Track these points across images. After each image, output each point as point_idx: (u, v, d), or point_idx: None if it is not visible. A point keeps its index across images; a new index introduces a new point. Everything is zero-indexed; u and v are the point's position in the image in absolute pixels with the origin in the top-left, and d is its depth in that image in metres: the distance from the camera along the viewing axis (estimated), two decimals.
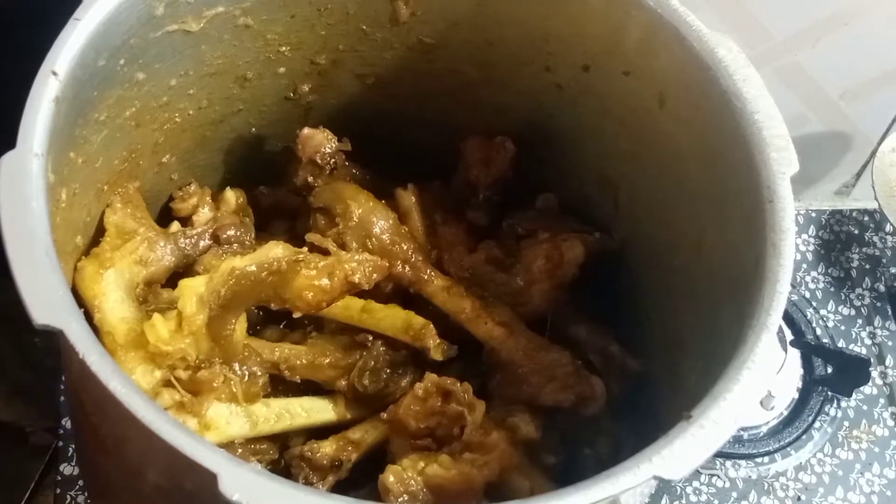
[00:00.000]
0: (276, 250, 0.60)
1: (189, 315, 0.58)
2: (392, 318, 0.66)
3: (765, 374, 0.48)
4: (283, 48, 0.67)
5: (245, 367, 0.61)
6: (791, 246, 0.53)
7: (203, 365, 0.58)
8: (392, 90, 0.73)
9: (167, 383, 0.57)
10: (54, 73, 0.50)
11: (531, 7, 0.65)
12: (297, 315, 0.61)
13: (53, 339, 0.44)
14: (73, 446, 0.78)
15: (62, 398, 0.81)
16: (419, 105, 0.73)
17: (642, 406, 0.65)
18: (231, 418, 0.59)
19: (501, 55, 0.69)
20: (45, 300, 0.44)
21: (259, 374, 0.61)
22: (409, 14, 0.67)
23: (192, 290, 0.58)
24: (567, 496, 0.43)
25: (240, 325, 0.61)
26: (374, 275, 0.63)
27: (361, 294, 0.65)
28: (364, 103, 0.73)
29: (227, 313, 0.59)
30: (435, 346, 0.66)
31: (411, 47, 0.70)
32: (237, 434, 0.60)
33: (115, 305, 0.58)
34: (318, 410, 0.65)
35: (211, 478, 0.41)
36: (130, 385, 0.43)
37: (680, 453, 0.45)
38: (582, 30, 0.65)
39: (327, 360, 0.65)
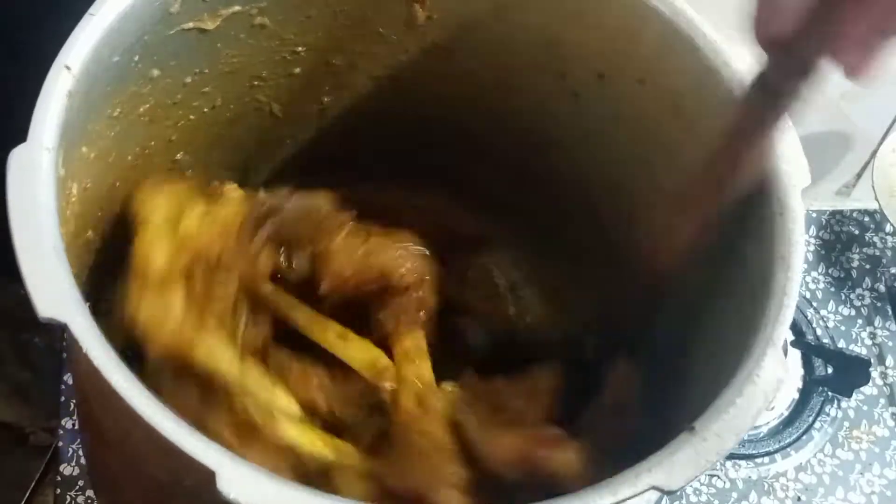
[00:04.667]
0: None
1: (225, 213, 0.57)
2: (362, 351, 0.63)
3: (770, 389, 0.47)
4: (299, 49, 0.66)
5: (254, 318, 0.59)
6: (800, 259, 0.52)
7: (220, 275, 0.56)
8: (407, 93, 0.71)
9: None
10: (67, 68, 0.49)
11: (547, 13, 0.64)
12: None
13: (53, 339, 0.43)
14: (73, 446, 0.78)
15: (62, 398, 0.80)
16: (434, 108, 0.72)
17: (647, 415, 0.63)
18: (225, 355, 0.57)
19: (516, 61, 0.68)
20: (50, 293, 0.43)
21: (263, 332, 0.59)
22: (426, 17, 0.66)
23: (238, 197, 0.58)
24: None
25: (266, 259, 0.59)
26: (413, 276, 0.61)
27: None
28: (378, 105, 0.72)
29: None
30: (389, 390, 0.63)
31: (427, 51, 0.68)
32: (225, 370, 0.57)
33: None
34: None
35: (209, 475, 0.40)
36: (132, 380, 0.42)
37: (680, 465, 0.44)
38: (597, 37, 0.63)
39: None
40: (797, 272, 0.51)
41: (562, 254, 0.75)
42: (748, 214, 0.55)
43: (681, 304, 0.64)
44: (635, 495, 0.43)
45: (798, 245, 0.52)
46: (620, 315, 0.69)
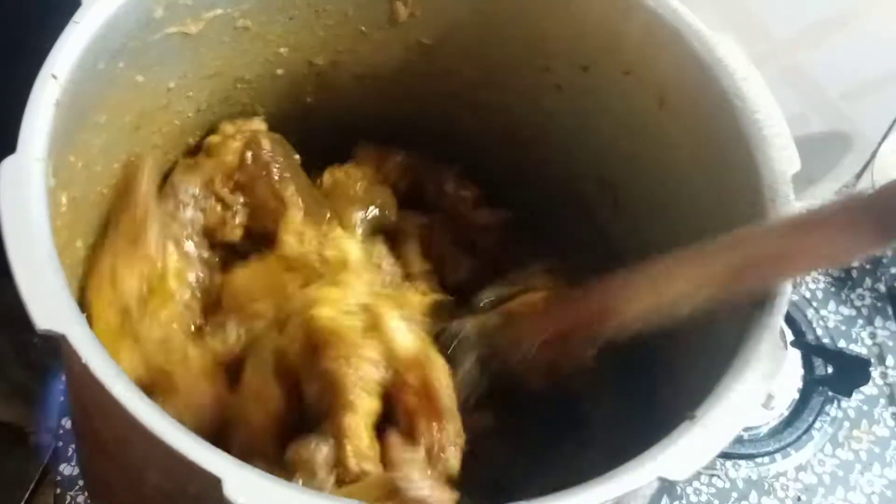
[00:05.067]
0: None
1: None
2: None
3: (768, 374, 0.49)
4: (282, 50, 0.68)
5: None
6: None
7: None
8: (391, 91, 0.73)
9: None
10: (54, 77, 0.51)
11: (530, 7, 0.66)
12: None
13: (53, 341, 0.45)
14: (73, 446, 0.79)
15: (62, 398, 0.81)
16: (418, 106, 0.74)
17: (642, 405, 0.66)
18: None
19: (500, 55, 0.70)
20: (47, 305, 0.44)
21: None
22: (408, 15, 0.68)
23: None
24: (571, 497, 0.44)
25: None
26: None
27: None
28: (363, 104, 0.74)
29: None
30: None
31: (410, 48, 0.70)
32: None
33: None
34: None
35: (215, 482, 0.41)
36: (134, 389, 0.44)
37: (685, 454, 0.46)
38: (581, 30, 0.66)
39: None
40: None
41: (554, 247, 0.76)
42: (740, 202, 0.58)
43: None
44: (642, 486, 0.45)
45: None
46: None
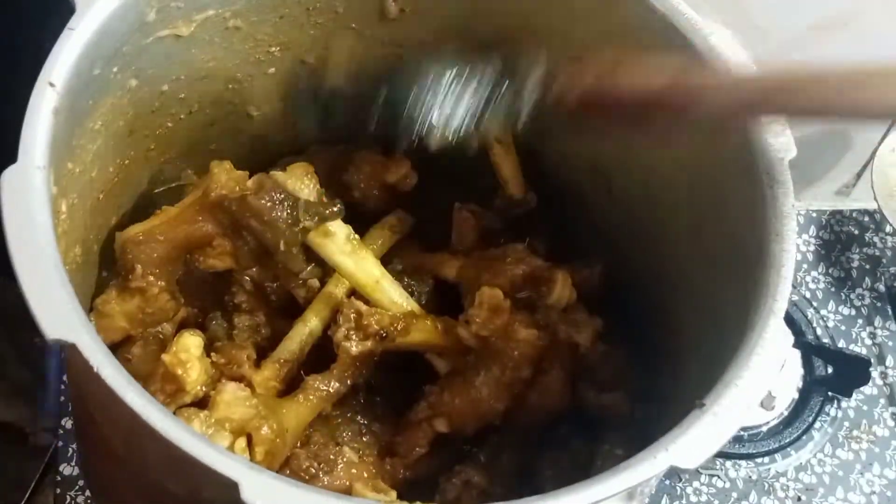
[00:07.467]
0: None
1: None
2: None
3: (774, 360, 0.52)
4: (273, 49, 0.71)
5: None
6: (793, 230, 0.57)
7: None
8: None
9: None
10: (52, 84, 0.53)
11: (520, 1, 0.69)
12: None
13: (61, 348, 0.47)
14: (74, 446, 0.83)
15: (62, 398, 0.85)
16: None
17: (647, 394, 0.69)
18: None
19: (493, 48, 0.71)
20: (56, 314, 0.47)
21: None
22: (399, 10, 0.71)
23: None
24: (588, 488, 0.47)
25: None
26: None
27: None
28: (355, 102, 0.73)
29: None
30: None
31: (402, 44, 0.73)
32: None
33: None
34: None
35: (232, 486, 0.44)
36: (146, 396, 0.46)
37: (695, 441, 0.49)
38: (572, 20, 0.69)
39: None
40: (791, 243, 0.56)
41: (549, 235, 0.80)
42: (737, 189, 0.61)
43: (670, 280, 0.70)
44: (655, 476, 0.48)
45: (790, 217, 0.57)
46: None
